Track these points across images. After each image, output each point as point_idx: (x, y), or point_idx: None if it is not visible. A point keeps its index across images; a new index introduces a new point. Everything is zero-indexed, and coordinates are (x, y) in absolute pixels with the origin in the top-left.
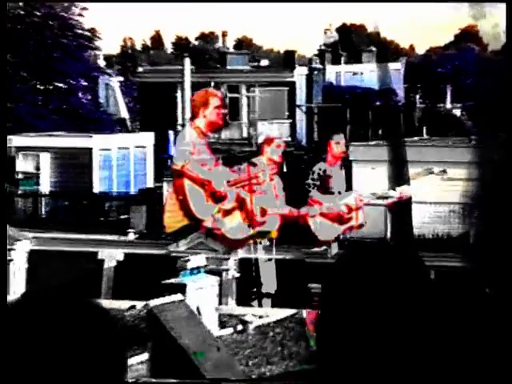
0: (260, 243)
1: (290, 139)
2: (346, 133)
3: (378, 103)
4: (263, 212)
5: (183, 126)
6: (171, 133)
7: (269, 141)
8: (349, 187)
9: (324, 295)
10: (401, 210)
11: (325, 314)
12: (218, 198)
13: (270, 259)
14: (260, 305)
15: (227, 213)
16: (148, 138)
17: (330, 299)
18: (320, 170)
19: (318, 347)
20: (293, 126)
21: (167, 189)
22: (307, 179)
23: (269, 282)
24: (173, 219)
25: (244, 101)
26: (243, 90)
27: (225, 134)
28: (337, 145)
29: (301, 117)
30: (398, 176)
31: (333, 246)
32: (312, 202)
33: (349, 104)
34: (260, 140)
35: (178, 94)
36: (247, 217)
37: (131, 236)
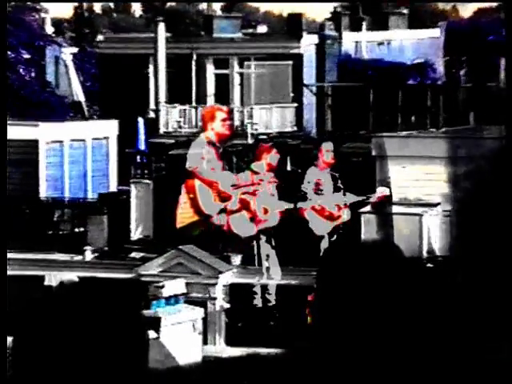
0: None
1: (295, 129)
2: (368, 120)
3: (410, 82)
4: (265, 211)
5: (156, 111)
6: (141, 120)
7: (268, 149)
8: (372, 190)
9: (318, 282)
10: (381, 212)
11: (319, 298)
12: (223, 198)
13: (272, 247)
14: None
15: (233, 213)
16: (111, 128)
17: (324, 285)
18: (312, 175)
19: (313, 326)
20: (299, 112)
21: (136, 193)
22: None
23: (274, 270)
24: (184, 216)
25: (235, 79)
26: (234, 65)
27: None
28: (327, 152)
29: (310, 100)
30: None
31: (324, 241)
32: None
33: (372, 83)
34: (258, 129)
35: (150, 70)
36: (252, 216)
37: (88, 255)
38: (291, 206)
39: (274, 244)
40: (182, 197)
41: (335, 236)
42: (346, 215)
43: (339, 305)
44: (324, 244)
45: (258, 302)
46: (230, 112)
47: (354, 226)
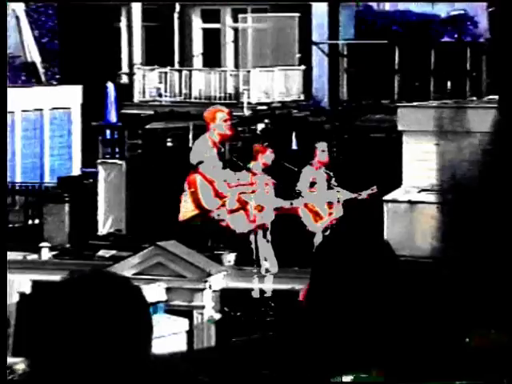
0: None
1: (302, 97)
2: (392, 86)
3: (445, 39)
4: (261, 208)
5: (130, 75)
6: (111, 86)
7: (263, 150)
8: (398, 173)
9: (312, 273)
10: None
11: (313, 289)
12: (220, 195)
13: (267, 241)
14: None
15: (232, 211)
16: (73, 95)
17: (317, 276)
18: (307, 174)
19: (307, 315)
20: (307, 77)
21: (105, 177)
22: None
23: (271, 262)
24: (186, 209)
25: (228, 35)
26: (227, 18)
27: (198, 90)
28: (322, 152)
29: (320, 61)
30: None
31: (317, 236)
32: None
33: (398, 40)
34: (265, 97)
35: (123, 24)
36: (249, 213)
37: (45, 253)
38: (287, 203)
39: (269, 239)
40: (184, 191)
41: (328, 231)
42: (337, 212)
43: (334, 292)
44: (317, 239)
45: (255, 293)
46: (231, 113)
47: (347, 222)
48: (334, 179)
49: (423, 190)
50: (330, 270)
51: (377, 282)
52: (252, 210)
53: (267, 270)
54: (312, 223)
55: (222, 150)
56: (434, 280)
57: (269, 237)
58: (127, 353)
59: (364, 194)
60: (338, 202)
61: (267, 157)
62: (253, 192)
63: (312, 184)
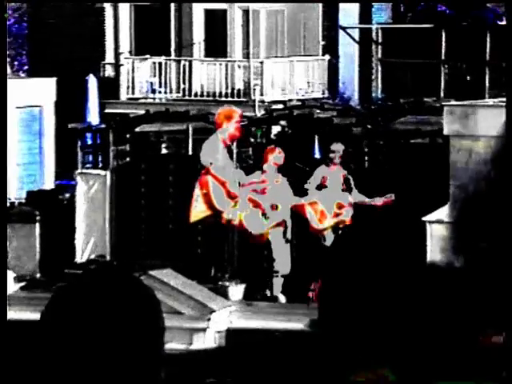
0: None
1: (326, 94)
2: (438, 80)
3: (503, 21)
4: (275, 207)
5: (116, 66)
6: (92, 80)
7: (271, 150)
8: (445, 187)
9: (326, 271)
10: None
11: (326, 287)
12: (232, 196)
13: (287, 241)
14: (271, 290)
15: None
16: (46, 90)
17: (330, 274)
18: (319, 173)
19: (320, 313)
20: (333, 68)
21: (85, 191)
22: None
23: (283, 263)
24: (198, 211)
25: (237, 19)
26: None
27: (199, 85)
28: (336, 153)
29: (349, 50)
30: None
31: (328, 235)
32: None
33: (446, 23)
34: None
35: (107, 4)
36: (263, 212)
37: (11, 285)
38: (300, 200)
39: (289, 238)
40: (195, 192)
41: (339, 232)
42: (347, 214)
43: (346, 291)
44: (328, 239)
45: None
46: (243, 115)
47: (358, 225)
48: (351, 181)
49: (474, 208)
50: (343, 269)
51: (389, 282)
52: (267, 206)
53: (276, 272)
54: (316, 221)
55: (232, 148)
56: (448, 282)
57: (289, 235)
58: (139, 352)
59: (378, 201)
60: (350, 204)
61: (276, 157)
62: (263, 190)
63: (322, 184)
